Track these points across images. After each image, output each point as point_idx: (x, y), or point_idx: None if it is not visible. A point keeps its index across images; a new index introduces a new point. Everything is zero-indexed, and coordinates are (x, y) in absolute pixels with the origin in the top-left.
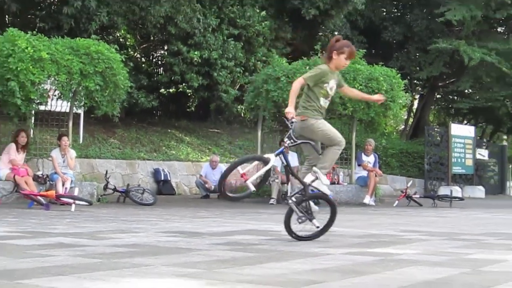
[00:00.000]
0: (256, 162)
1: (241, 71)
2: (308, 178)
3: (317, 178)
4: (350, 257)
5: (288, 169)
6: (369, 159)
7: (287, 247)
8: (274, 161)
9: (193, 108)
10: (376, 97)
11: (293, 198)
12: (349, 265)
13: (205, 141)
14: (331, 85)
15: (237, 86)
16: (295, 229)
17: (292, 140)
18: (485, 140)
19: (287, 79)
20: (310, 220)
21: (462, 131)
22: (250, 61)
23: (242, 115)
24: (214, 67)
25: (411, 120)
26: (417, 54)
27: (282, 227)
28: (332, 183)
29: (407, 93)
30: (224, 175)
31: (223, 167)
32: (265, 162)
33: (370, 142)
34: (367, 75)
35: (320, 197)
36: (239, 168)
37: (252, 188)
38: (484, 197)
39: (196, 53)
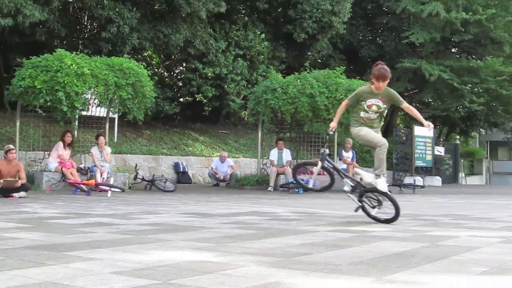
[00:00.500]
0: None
1: (245, 84)
2: (367, 177)
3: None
4: (332, 234)
5: (334, 169)
6: (348, 155)
7: (282, 225)
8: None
9: (207, 113)
10: (425, 123)
11: (355, 193)
12: (332, 240)
13: (216, 140)
14: (370, 103)
15: (242, 96)
16: (375, 213)
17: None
18: (441, 139)
19: (282, 90)
20: (380, 205)
21: (423, 132)
22: (253, 76)
23: (246, 119)
24: (224, 80)
25: (382, 123)
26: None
27: (278, 209)
28: (318, 174)
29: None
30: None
31: (230, 161)
32: (314, 165)
33: (349, 141)
34: (346, 87)
35: (374, 190)
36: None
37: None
38: (441, 185)
39: (210, 69)
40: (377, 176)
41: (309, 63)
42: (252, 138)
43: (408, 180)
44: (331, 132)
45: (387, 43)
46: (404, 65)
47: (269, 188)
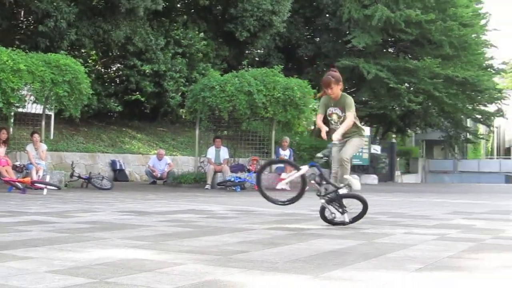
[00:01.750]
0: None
1: (184, 81)
2: (356, 185)
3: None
4: (270, 232)
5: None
6: (285, 153)
7: (220, 223)
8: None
9: (148, 111)
10: (336, 137)
11: (326, 198)
12: (269, 238)
13: (153, 138)
14: (330, 112)
15: (180, 93)
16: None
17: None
18: (378, 138)
19: (220, 88)
20: (342, 214)
21: None
22: (192, 74)
23: (184, 117)
24: (163, 78)
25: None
26: (325, 69)
27: (216, 207)
28: (255, 172)
29: (316, 100)
30: (260, 170)
31: (167, 158)
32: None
33: (286, 139)
34: (284, 85)
35: (349, 197)
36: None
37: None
38: (377, 183)
39: (148, 66)
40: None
41: (248, 62)
42: (190, 136)
43: None
44: (335, 142)
45: (325, 44)
46: (342, 63)
47: (207, 186)
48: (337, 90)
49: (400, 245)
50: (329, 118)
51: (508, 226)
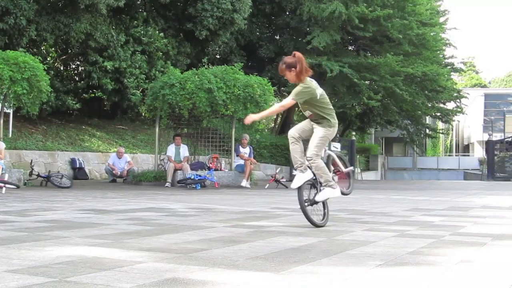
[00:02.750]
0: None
1: (144, 78)
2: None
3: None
4: (230, 229)
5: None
6: (246, 150)
7: (180, 221)
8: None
9: (108, 107)
10: (250, 119)
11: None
12: (229, 236)
13: (113, 135)
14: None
15: (141, 89)
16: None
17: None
18: (338, 135)
19: (180, 85)
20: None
21: None
22: (151, 72)
23: (143, 115)
24: (123, 74)
25: (279, 119)
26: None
27: (176, 205)
28: (216, 169)
29: (276, 98)
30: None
31: (127, 156)
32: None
33: (246, 136)
34: (244, 83)
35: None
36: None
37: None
38: (337, 180)
39: (109, 63)
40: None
41: (209, 60)
42: (150, 133)
43: None
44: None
45: (286, 44)
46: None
47: (167, 184)
48: (291, 76)
49: (360, 242)
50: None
51: (467, 223)
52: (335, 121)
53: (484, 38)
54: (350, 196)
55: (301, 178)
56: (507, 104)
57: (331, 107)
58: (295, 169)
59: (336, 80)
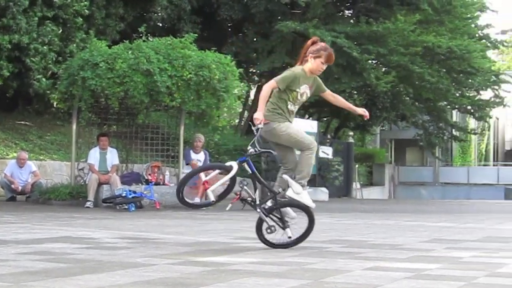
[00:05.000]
0: (217, 171)
1: (55, 57)
2: (297, 188)
3: (288, 186)
4: (176, 268)
5: (254, 176)
6: (199, 157)
7: (105, 256)
8: (236, 169)
9: (6, 98)
10: (360, 111)
11: (263, 207)
12: (175, 277)
13: (12, 134)
14: (302, 91)
15: (50, 73)
16: (268, 238)
17: (255, 149)
18: (329, 136)
19: (106, 65)
20: (283, 229)
21: (303, 126)
22: (67, 47)
23: (55, 105)
24: (26, 52)
25: (247, 113)
26: (255, 39)
27: (100, 233)
28: (157, 183)
29: (243, 83)
30: (183, 181)
31: (32, 165)
32: (227, 170)
33: (200, 137)
34: (198, 62)
35: (293, 205)
36: (201, 175)
37: (212, 198)
38: (328, 200)
39: (5, 37)
40: (303, 186)
41: (148, 28)
42: (64, 132)
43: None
44: (261, 126)
45: (255, 3)
46: (285, 27)
47: (88, 204)
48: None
49: (360, 286)
50: (299, 98)
51: (509, 259)
52: None
53: None
54: (346, 221)
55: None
56: None
57: None
58: (304, 186)
59: None
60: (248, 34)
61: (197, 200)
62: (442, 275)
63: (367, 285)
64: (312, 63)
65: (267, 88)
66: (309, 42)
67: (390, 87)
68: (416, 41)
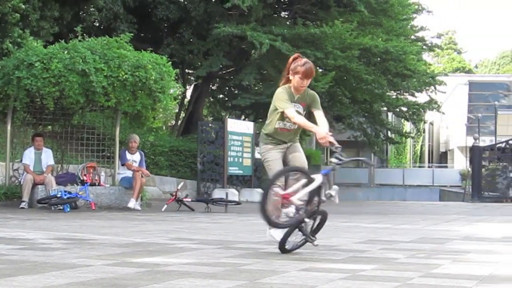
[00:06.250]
0: (303, 182)
1: None
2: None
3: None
4: (111, 269)
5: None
6: (134, 158)
7: (40, 257)
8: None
9: None
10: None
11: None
12: (111, 278)
13: None
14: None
15: None
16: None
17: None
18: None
19: (42, 65)
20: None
21: (240, 127)
22: (3, 44)
23: None
24: None
25: (183, 114)
26: (191, 40)
27: (35, 234)
28: (93, 184)
29: (179, 84)
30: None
31: None
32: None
33: (135, 138)
34: (134, 62)
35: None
36: (277, 189)
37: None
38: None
39: None
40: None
41: (84, 28)
42: None
43: (218, 193)
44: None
45: (194, 6)
46: (223, 30)
47: (22, 204)
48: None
49: (296, 287)
50: (277, 115)
51: (444, 260)
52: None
53: (469, 7)
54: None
55: None
56: (499, 96)
57: None
58: None
59: (264, 60)
60: (185, 35)
61: (132, 202)
62: (377, 276)
63: (303, 286)
64: (293, 81)
65: (292, 113)
66: (290, 59)
67: (328, 87)
68: (353, 43)
